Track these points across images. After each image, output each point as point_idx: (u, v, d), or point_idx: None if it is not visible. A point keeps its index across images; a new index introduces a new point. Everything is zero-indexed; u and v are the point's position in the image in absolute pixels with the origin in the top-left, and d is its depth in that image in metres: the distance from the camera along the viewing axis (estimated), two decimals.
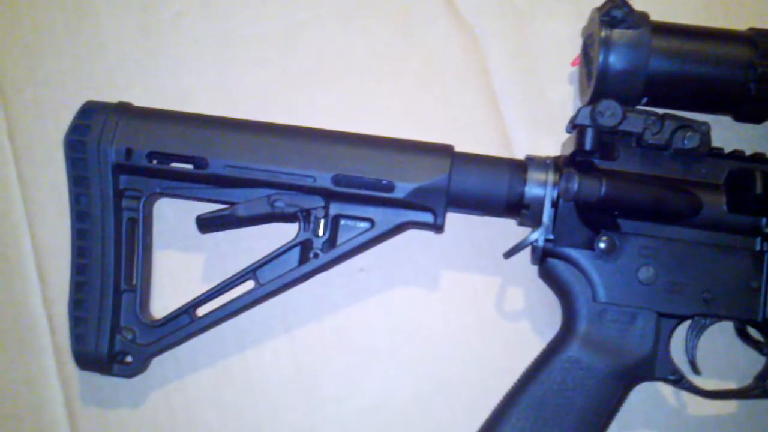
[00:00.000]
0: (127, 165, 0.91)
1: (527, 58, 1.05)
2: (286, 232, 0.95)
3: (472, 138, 1.01)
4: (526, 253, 0.94)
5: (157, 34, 1.05)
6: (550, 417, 0.88)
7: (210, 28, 1.05)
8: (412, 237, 0.98)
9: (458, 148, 0.93)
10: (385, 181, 0.91)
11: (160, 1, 1.06)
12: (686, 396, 0.97)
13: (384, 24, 1.06)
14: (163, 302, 0.97)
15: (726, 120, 0.94)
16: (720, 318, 0.91)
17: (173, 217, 1.00)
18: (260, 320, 0.99)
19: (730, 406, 0.98)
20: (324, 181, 0.91)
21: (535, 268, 0.94)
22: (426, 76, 1.05)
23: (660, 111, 0.91)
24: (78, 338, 0.91)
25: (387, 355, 0.99)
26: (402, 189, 0.91)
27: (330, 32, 1.05)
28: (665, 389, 0.98)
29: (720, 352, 0.98)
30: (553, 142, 1.01)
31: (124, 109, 0.93)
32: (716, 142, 0.92)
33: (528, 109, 1.04)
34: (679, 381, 0.91)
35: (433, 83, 1.04)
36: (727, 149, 0.93)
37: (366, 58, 1.05)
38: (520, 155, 0.96)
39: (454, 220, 0.96)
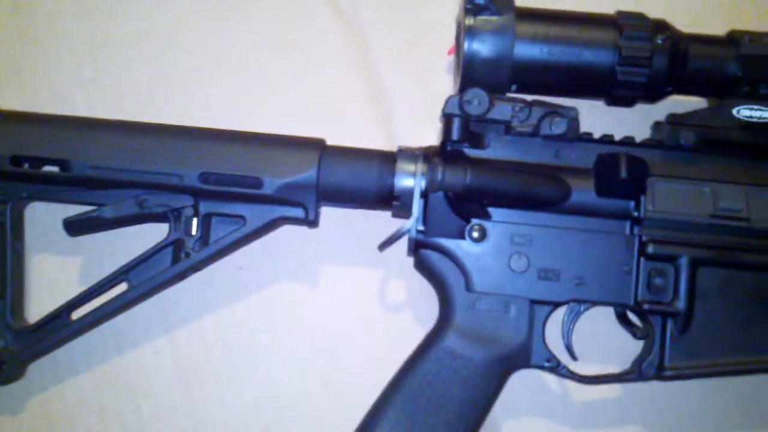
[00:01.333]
0: None
1: (408, 48, 1.04)
2: (164, 233, 0.94)
3: (354, 132, 0.98)
4: (405, 245, 0.93)
5: (31, 34, 1.04)
6: (427, 409, 0.88)
7: (84, 27, 1.04)
8: (291, 233, 0.97)
9: (340, 143, 0.92)
10: (253, 178, 0.90)
11: (35, 1, 1.04)
12: (570, 382, 0.95)
13: (262, 18, 1.05)
14: (40, 307, 0.95)
15: (600, 104, 0.93)
16: (594, 303, 0.90)
17: (48, 220, 0.98)
18: (140, 321, 0.98)
19: (614, 390, 0.98)
20: (191, 179, 0.90)
21: None
22: (305, 70, 1.04)
23: (530, 98, 0.90)
24: None
25: (270, 352, 0.98)
26: (270, 185, 0.90)
27: (207, 28, 1.04)
28: (549, 376, 0.97)
29: (602, 337, 0.98)
30: (436, 133, 1.00)
31: None
32: (592, 127, 0.91)
33: (410, 100, 1.03)
34: (555, 368, 0.90)
35: (313, 77, 1.03)
36: (598, 134, 0.92)
37: (244, 54, 1.04)
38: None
39: (332, 213, 0.96)
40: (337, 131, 0.94)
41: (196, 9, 1.04)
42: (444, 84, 1.02)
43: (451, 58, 1.01)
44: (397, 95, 1.03)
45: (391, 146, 0.98)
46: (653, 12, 0.89)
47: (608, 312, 0.95)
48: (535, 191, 0.89)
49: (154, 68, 1.03)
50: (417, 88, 1.03)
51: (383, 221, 0.95)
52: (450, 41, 1.00)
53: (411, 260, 0.94)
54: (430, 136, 1.00)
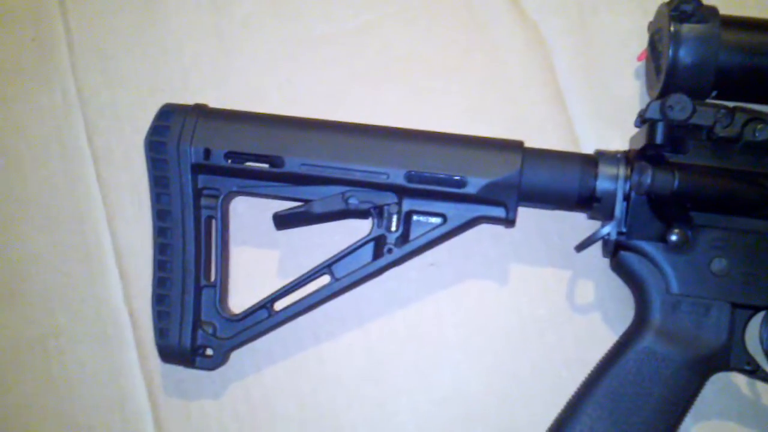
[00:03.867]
0: (206, 165, 0.94)
1: (592, 53, 1.06)
2: (356, 228, 0.98)
3: (538, 134, 1.02)
4: (595, 247, 0.95)
5: (229, 35, 1.08)
6: (627, 407, 0.89)
7: (279, 29, 1.08)
8: (481, 231, 0.99)
9: (525, 145, 0.95)
10: (457, 177, 0.92)
11: (231, 2, 1.09)
12: (761, 387, 0.97)
13: (448, 22, 1.07)
14: (239, 297, 0.99)
15: None
16: None
17: (247, 214, 1.03)
18: (335, 314, 1.01)
19: None
20: (397, 177, 0.93)
21: (604, 261, 0.96)
22: (491, 73, 1.06)
23: (730, 104, 0.91)
24: (161, 332, 0.94)
25: (458, 348, 1.01)
26: (474, 184, 0.92)
27: (395, 32, 1.07)
28: (739, 379, 0.98)
29: None
30: (620, 137, 1.02)
31: (201, 110, 0.96)
32: None
33: (594, 104, 1.05)
34: (754, 371, 0.91)
35: (498, 80, 1.06)
36: None
37: (431, 56, 1.07)
38: (587, 151, 0.97)
39: (522, 213, 0.97)
40: (522, 134, 0.96)
41: (386, 12, 1.07)
42: (626, 89, 1.04)
43: (638, 64, 1.04)
44: (580, 100, 1.05)
45: (574, 149, 1.00)
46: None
47: None
48: (740, 197, 0.90)
49: (345, 70, 1.06)
50: (600, 93, 1.05)
51: (572, 222, 0.98)
52: (633, 48, 1.03)
53: (598, 262, 0.96)
54: (611, 140, 1.03)
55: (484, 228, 0.99)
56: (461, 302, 1.01)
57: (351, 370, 1.01)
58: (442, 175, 0.93)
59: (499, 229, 0.99)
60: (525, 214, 0.98)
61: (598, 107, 1.05)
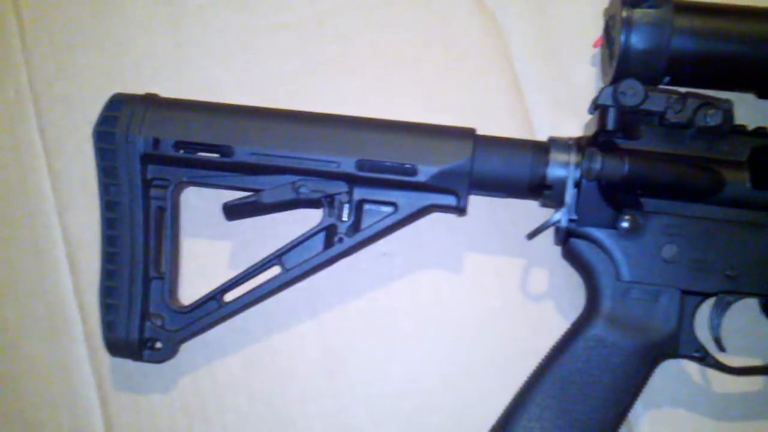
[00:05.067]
0: (155, 155, 0.93)
1: (549, 40, 1.05)
2: (309, 218, 0.96)
3: (494, 122, 1.00)
4: (549, 234, 0.94)
5: (183, 25, 1.07)
6: (576, 396, 0.89)
7: (234, 18, 1.07)
8: (435, 220, 0.99)
9: (481, 132, 0.94)
10: (408, 165, 0.92)
11: None
12: (712, 373, 0.97)
13: (405, 10, 1.07)
14: (191, 289, 0.98)
15: (750, 97, 0.94)
16: (744, 295, 0.91)
17: (200, 205, 1.01)
18: (286, 305, 1.00)
19: (755, 383, 0.98)
20: (348, 166, 0.92)
21: (557, 249, 0.95)
22: (448, 62, 1.05)
23: (682, 90, 0.91)
24: (109, 325, 0.93)
25: (413, 338, 1.00)
26: (425, 172, 0.92)
27: (352, 20, 1.06)
28: (690, 367, 0.98)
29: (746, 329, 0.98)
30: (577, 125, 1.01)
31: (150, 100, 0.95)
32: (740, 119, 0.92)
33: (551, 91, 1.04)
34: (703, 358, 0.91)
35: (455, 68, 1.05)
36: (751, 126, 0.92)
37: (388, 45, 1.06)
38: (544, 138, 0.97)
39: (476, 202, 0.97)
40: (479, 122, 0.95)
41: (343, 1, 1.06)
42: (584, 76, 1.04)
43: (595, 50, 1.03)
44: (537, 87, 1.04)
45: (531, 137, 0.99)
46: None
47: (751, 304, 0.96)
48: (691, 183, 0.89)
49: (301, 59, 1.05)
50: (557, 80, 1.04)
51: (525, 210, 0.97)
52: (591, 34, 1.02)
53: (552, 250, 0.96)
54: (569, 127, 1.02)
55: (437, 217, 0.98)
56: (415, 292, 1.01)
57: (304, 362, 1.00)
58: (392, 164, 0.92)
59: (452, 217, 0.98)
60: (478, 202, 0.98)
61: (555, 95, 1.05)
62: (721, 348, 0.93)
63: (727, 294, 0.91)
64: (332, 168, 0.92)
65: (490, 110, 1.04)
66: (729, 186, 0.89)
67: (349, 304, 1.01)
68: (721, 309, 0.93)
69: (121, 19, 1.08)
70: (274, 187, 0.93)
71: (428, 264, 1.01)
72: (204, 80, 1.06)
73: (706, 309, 0.93)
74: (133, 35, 1.08)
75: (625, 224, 0.90)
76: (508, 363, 0.98)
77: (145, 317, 0.93)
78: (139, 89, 0.97)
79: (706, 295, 0.91)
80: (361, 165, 0.92)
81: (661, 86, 0.91)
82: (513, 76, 1.05)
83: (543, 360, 0.92)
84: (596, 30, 1.00)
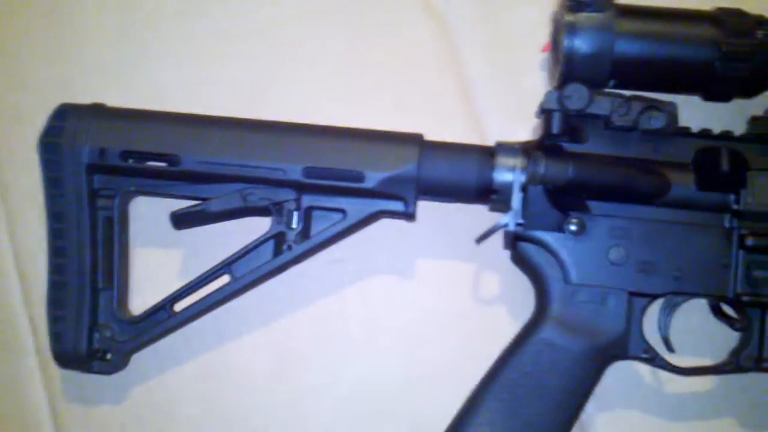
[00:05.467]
0: (101, 165, 0.92)
1: (500, 45, 1.06)
2: (261, 227, 0.96)
3: (444, 128, 0.99)
4: (498, 239, 0.94)
5: (132, 34, 1.06)
6: (525, 399, 0.89)
7: (183, 26, 1.06)
8: (385, 226, 0.98)
9: (430, 138, 0.94)
10: (355, 172, 0.92)
11: (133, 1, 1.07)
12: (664, 374, 0.97)
13: (354, 14, 1.06)
14: (141, 299, 0.98)
15: (695, 99, 0.94)
16: (691, 296, 0.91)
17: (150, 215, 1.00)
18: (238, 313, 1.00)
19: (707, 383, 0.99)
20: (295, 173, 0.92)
21: (508, 253, 0.95)
22: (397, 67, 1.05)
23: (628, 93, 0.91)
24: (57, 337, 0.92)
25: (365, 344, 1.00)
26: (372, 179, 0.92)
27: (300, 27, 1.06)
28: (643, 368, 0.98)
29: (696, 330, 0.99)
30: (527, 130, 1.01)
31: (97, 109, 0.94)
32: (685, 121, 0.92)
33: (501, 97, 1.05)
34: (653, 359, 0.91)
35: (405, 73, 1.05)
36: (697, 128, 0.92)
37: (337, 52, 1.05)
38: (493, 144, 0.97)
39: (428, 208, 0.97)
40: (429, 128, 0.95)
41: (291, 8, 1.06)
42: (536, 81, 1.03)
43: (545, 55, 1.03)
44: (488, 92, 1.05)
45: (482, 142, 0.99)
46: (753, 8, 0.90)
47: (701, 305, 0.96)
48: (636, 185, 0.90)
49: (251, 66, 1.05)
50: (508, 85, 1.05)
51: (477, 215, 0.97)
52: (542, 39, 1.02)
53: (504, 254, 0.96)
54: (521, 132, 1.01)
55: (388, 223, 0.97)
56: (366, 298, 1.01)
57: (257, 370, 1.00)
58: (339, 170, 0.92)
59: (403, 223, 0.97)
60: (429, 207, 0.97)
61: (505, 99, 1.05)
62: (670, 349, 0.94)
63: (675, 295, 0.91)
64: (279, 176, 0.92)
65: (441, 116, 1.04)
66: (674, 188, 0.90)
67: (300, 311, 1.01)
68: (669, 310, 0.93)
69: (71, 29, 1.07)
70: (221, 195, 0.93)
71: (379, 270, 1.01)
72: (154, 89, 1.05)
73: (656, 310, 0.94)
74: (83, 45, 1.07)
75: (571, 227, 0.91)
76: (460, 368, 0.97)
77: (94, 328, 0.93)
78: (89, 99, 0.96)
79: (653, 297, 0.91)
80: (308, 172, 0.92)
81: (606, 90, 0.92)
82: (463, 81, 1.05)
83: (493, 364, 0.92)
84: (546, 35, 1.00)
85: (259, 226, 0.96)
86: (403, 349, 1.00)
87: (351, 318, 1.01)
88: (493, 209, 0.94)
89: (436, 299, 1.01)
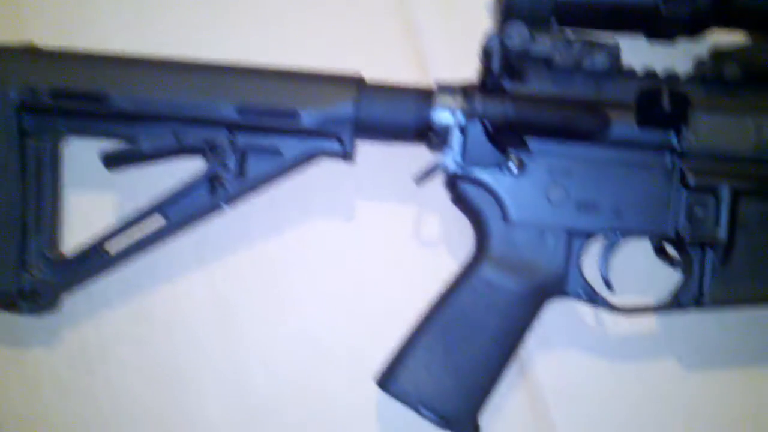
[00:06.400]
0: (30, 104, 0.90)
1: None
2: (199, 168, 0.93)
3: (390, 70, 0.97)
4: (441, 180, 0.93)
5: None
6: (462, 338, 0.88)
7: None
8: (325, 169, 0.97)
9: (376, 78, 0.92)
10: (290, 110, 0.90)
11: None
12: (607, 317, 0.97)
13: None
14: (74, 240, 0.95)
15: (641, 42, 0.92)
16: (631, 233, 0.90)
17: (85, 157, 0.97)
18: (175, 256, 0.98)
19: (649, 325, 0.99)
20: (229, 111, 0.90)
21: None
22: (342, 7, 1.02)
23: (570, 32, 0.90)
24: None
25: (305, 288, 0.99)
26: (308, 117, 0.90)
27: None
28: (586, 310, 0.97)
29: (638, 272, 0.98)
30: (473, 71, 0.99)
31: (26, 49, 0.92)
32: (629, 60, 0.90)
33: (446, 37, 1.02)
34: (591, 298, 0.91)
35: (350, 14, 1.02)
36: (639, 68, 0.91)
37: None
38: None
39: (368, 149, 0.95)
40: (373, 69, 0.93)
41: None
42: (480, 23, 0.99)
43: None
44: (434, 33, 1.03)
45: (427, 83, 0.97)
46: None
47: (645, 248, 0.96)
48: (575, 122, 0.88)
49: (191, 10, 1.02)
50: (453, 25, 1.03)
51: (418, 157, 0.95)
52: None
53: (446, 196, 0.94)
54: (466, 73, 0.98)
55: (327, 165, 0.96)
56: (307, 241, 0.99)
57: (193, 313, 0.98)
58: (274, 108, 0.90)
59: (343, 165, 0.95)
60: (370, 149, 0.96)
61: (451, 41, 1.03)
62: (610, 287, 0.93)
63: (614, 233, 0.90)
64: (213, 114, 0.90)
65: (385, 57, 1.02)
66: (615, 125, 0.89)
67: (238, 255, 0.99)
68: (609, 249, 0.92)
69: None
70: (153, 135, 0.91)
71: (320, 212, 1.00)
72: (90, 33, 1.02)
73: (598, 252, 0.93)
74: None
75: (511, 166, 0.89)
76: (402, 310, 0.95)
77: (24, 268, 0.90)
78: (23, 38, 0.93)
79: (592, 234, 0.90)
80: (242, 110, 0.90)
81: (548, 29, 0.90)
82: (409, 22, 1.03)
83: (430, 304, 0.91)
84: None
85: (196, 168, 0.94)
86: (344, 292, 0.99)
87: (291, 261, 0.99)
88: (433, 149, 0.93)
89: (377, 241, 0.99)
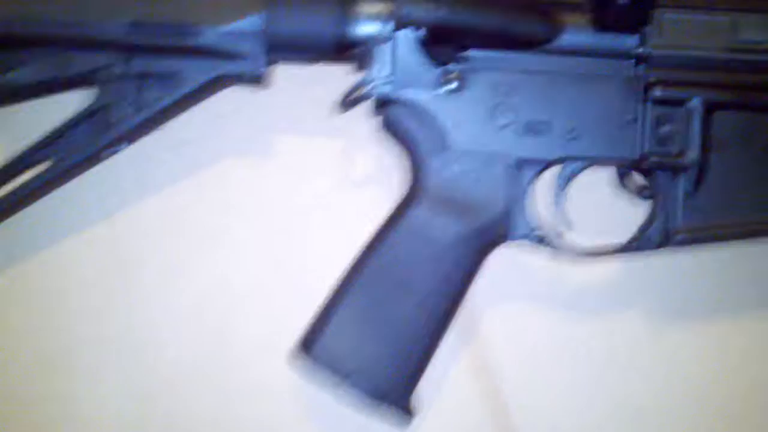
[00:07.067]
0: None
1: None
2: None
3: None
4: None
5: None
6: (395, 289, 0.76)
7: None
8: (239, 100, 0.85)
9: None
10: (190, 25, 0.77)
11: None
12: (564, 265, 0.85)
13: None
14: None
15: None
16: (591, 160, 0.78)
17: None
18: (74, 203, 0.85)
19: (612, 273, 0.87)
20: (119, 30, 0.77)
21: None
22: None
23: None
24: None
25: (219, 236, 0.87)
26: (209, 34, 0.77)
27: None
28: (540, 259, 0.85)
29: (600, 209, 0.86)
30: None
31: None
32: None
33: None
34: (544, 241, 0.79)
35: None
36: None
37: None
38: None
39: (287, 77, 0.83)
40: None
41: None
42: None
43: None
44: None
45: None
46: None
47: (603, 180, 0.84)
48: (522, 27, 0.76)
49: None
50: None
51: (345, 82, 0.82)
52: None
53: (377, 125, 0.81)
54: None
55: (242, 96, 0.83)
56: (221, 183, 0.87)
57: (93, 265, 0.87)
58: (171, 24, 0.77)
59: (262, 97, 0.83)
60: (290, 77, 0.83)
61: None
62: (567, 225, 0.81)
63: (571, 160, 0.78)
64: (101, 34, 0.77)
65: None
66: (568, 29, 0.76)
67: (146, 200, 0.87)
68: (565, 179, 0.80)
69: None
70: (32, 63, 0.78)
71: (235, 150, 0.87)
72: None
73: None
74: None
75: (449, 83, 0.76)
76: (330, 256, 0.82)
77: None
78: None
79: (545, 163, 0.78)
80: (135, 28, 0.77)
81: None
82: None
83: (358, 252, 0.79)
84: None
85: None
86: (263, 239, 0.87)
87: (203, 206, 0.87)
88: (359, 68, 0.79)
89: (301, 180, 0.87)
